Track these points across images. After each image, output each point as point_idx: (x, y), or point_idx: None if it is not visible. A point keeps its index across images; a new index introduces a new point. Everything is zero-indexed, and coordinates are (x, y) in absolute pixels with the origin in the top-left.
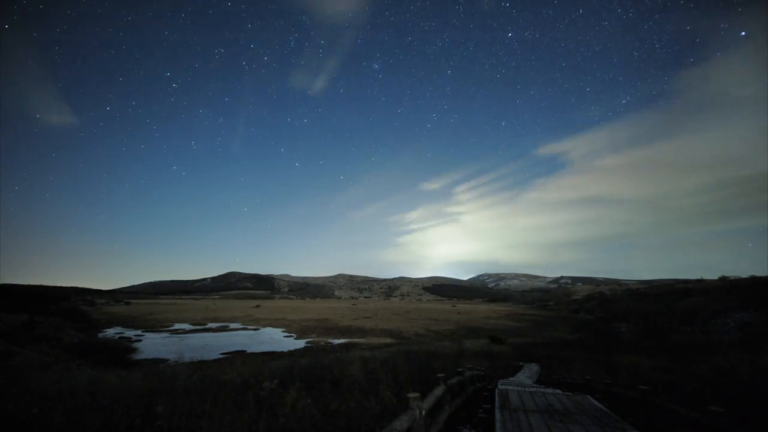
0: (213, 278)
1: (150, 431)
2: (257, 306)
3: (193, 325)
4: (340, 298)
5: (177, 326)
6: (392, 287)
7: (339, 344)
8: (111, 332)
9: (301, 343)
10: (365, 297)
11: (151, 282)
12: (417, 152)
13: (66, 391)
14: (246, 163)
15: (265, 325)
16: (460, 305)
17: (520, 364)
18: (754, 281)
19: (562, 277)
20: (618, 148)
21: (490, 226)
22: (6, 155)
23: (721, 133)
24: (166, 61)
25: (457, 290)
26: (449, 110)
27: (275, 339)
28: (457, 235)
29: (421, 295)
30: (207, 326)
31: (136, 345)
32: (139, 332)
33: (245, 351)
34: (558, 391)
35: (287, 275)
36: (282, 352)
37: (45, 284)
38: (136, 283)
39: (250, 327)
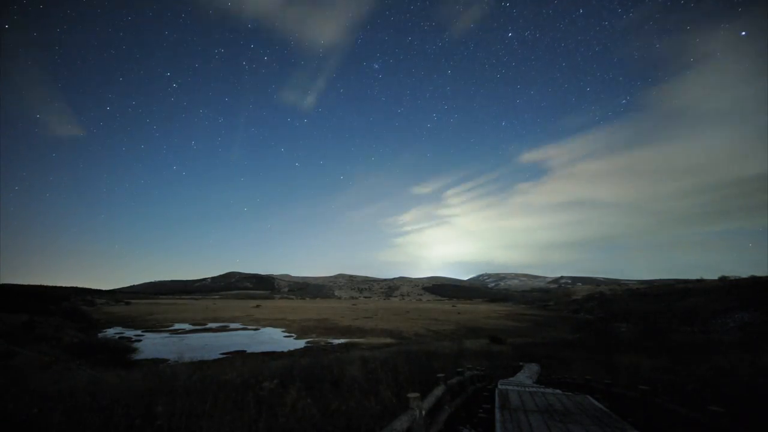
0: (213, 278)
1: (150, 431)
2: (257, 306)
3: (193, 325)
4: (340, 298)
5: (177, 326)
6: (392, 287)
7: (339, 344)
8: (111, 332)
9: (301, 343)
10: (365, 297)
11: (151, 282)
12: (411, 156)
13: (66, 391)
14: (246, 163)
15: (265, 325)
16: (460, 305)
17: (520, 364)
18: (754, 281)
19: (562, 277)
20: (598, 155)
21: (482, 228)
22: (6, 155)
23: (692, 142)
24: (166, 61)
25: (457, 290)
26: (449, 110)
27: (275, 339)
28: (451, 237)
29: (421, 295)
30: (207, 326)
31: (136, 345)
32: (139, 332)
33: (245, 351)
34: (558, 391)
35: (287, 275)
36: (282, 352)
37: (45, 284)
38: (136, 283)
39: (250, 327)
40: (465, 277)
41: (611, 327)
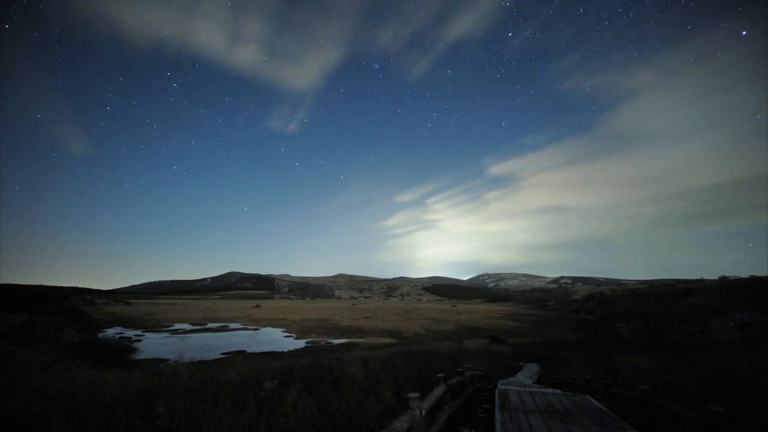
0: (213, 278)
1: (150, 431)
2: (257, 306)
3: (193, 325)
4: (340, 298)
5: (177, 326)
6: (392, 287)
7: (339, 344)
8: (111, 332)
9: (301, 343)
10: (365, 297)
11: (151, 282)
12: (397, 163)
13: (66, 391)
14: (246, 163)
15: (265, 325)
16: (460, 305)
17: (520, 364)
18: (754, 281)
19: (561, 277)
20: (559, 167)
21: (467, 231)
22: (6, 155)
23: (643, 157)
24: (166, 61)
25: (457, 290)
26: (449, 110)
27: (275, 339)
28: (439, 239)
29: (421, 295)
30: (207, 326)
31: (136, 345)
32: (139, 332)
33: (245, 351)
34: (558, 391)
35: (287, 275)
36: (282, 352)
37: (45, 284)
38: (136, 283)
39: (250, 327)
40: (465, 277)
41: (611, 327)
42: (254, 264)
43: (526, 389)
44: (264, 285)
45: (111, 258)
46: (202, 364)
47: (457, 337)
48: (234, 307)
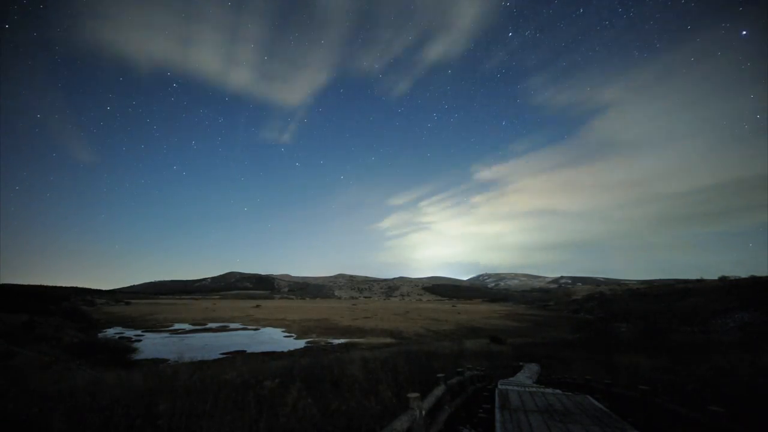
0: (213, 278)
1: (150, 431)
2: (257, 306)
3: (193, 325)
4: (340, 298)
5: (177, 326)
6: (392, 287)
7: (339, 344)
8: (111, 332)
9: (301, 343)
10: (365, 297)
11: (151, 282)
12: (389, 171)
13: (66, 391)
14: (246, 163)
15: (265, 325)
16: (460, 305)
17: (520, 364)
18: (754, 281)
19: (561, 277)
20: (542, 173)
21: (460, 233)
22: (6, 155)
23: (619, 164)
24: (166, 61)
25: (457, 290)
26: (449, 110)
27: (275, 339)
28: (432, 241)
29: (421, 295)
30: (207, 326)
31: (136, 345)
32: (139, 332)
33: (245, 351)
34: (558, 391)
35: (287, 275)
36: (282, 352)
37: (45, 284)
38: (136, 283)
39: (250, 327)
40: (465, 277)
41: (611, 327)
42: (254, 264)
43: (526, 389)
44: (264, 285)
45: (111, 258)
46: (202, 364)
47: (457, 337)
48: (234, 307)
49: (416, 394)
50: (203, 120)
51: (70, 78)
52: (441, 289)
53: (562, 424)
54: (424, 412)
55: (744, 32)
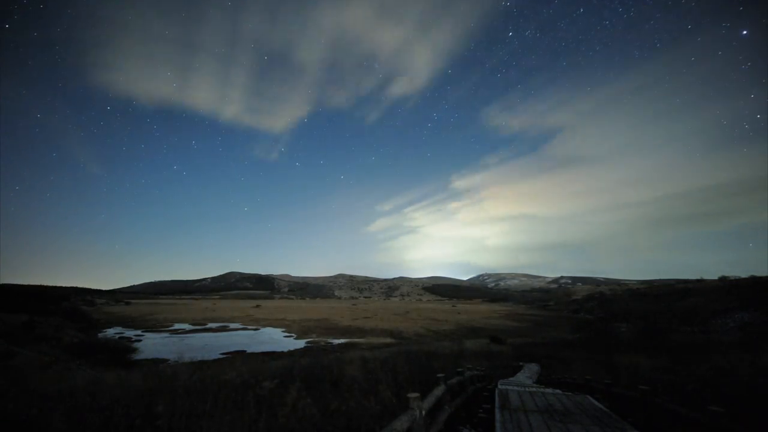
0: (213, 278)
1: (150, 431)
2: (257, 306)
3: (193, 325)
4: (340, 298)
5: (177, 326)
6: (392, 287)
7: (339, 344)
8: (111, 332)
9: (301, 343)
10: (365, 297)
11: (151, 282)
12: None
13: (66, 391)
14: (246, 163)
15: (265, 325)
16: (460, 305)
17: (520, 364)
18: (754, 281)
19: (561, 277)
20: (512, 182)
21: (447, 236)
22: (6, 155)
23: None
24: (167, 61)
25: (457, 290)
26: (449, 109)
27: (275, 339)
28: (421, 244)
29: (421, 295)
30: (207, 326)
31: (136, 345)
32: (139, 332)
33: (245, 351)
34: (558, 391)
35: (287, 275)
36: (282, 352)
37: (45, 284)
38: (136, 283)
39: (250, 327)
40: (464, 277)
41: (611, 327)
42: (254, 264)
43: (526, 389)
44: (264, 285)
45: (111, 258)
46: (202, 364)
47: (457, 337)
48: (234, 307)
49: (416, 394)
50: (203, 119)
51: (71, 78)
52: (441, 289)
53: (562, 424)
54: (424, 412)
55: (744, 32)
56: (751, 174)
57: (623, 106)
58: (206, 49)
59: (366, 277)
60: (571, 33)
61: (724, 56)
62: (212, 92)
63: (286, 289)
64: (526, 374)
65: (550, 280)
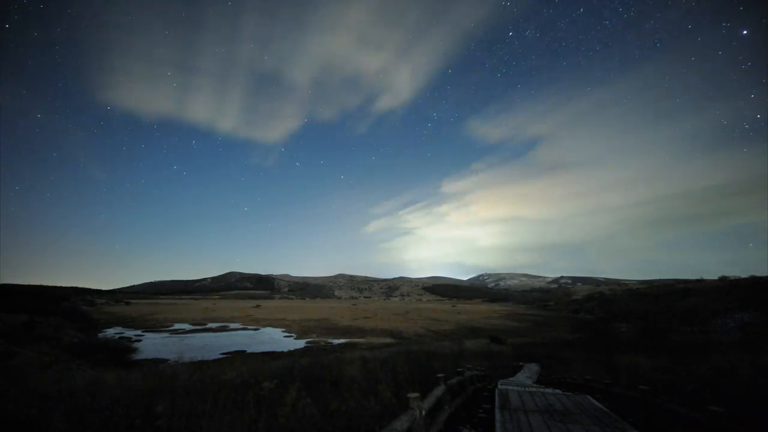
0: (213, 278)
1: (150, 431)
2: (257, 306)
3: (193, 325)
4: (340, 298)
5: (177, 326)
6: (392, 287)
7: (339, 344)
8: (111, 332)
9: (301, 343)
10: (365, 297)
11: (151, 282)
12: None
13: (66, 391)
14: (246, 162)
15: (265, 325)
16: (460, 305)
17: (520, 364)
18: (754, 281)
19: (561, 277)
20: (498, 186)
21: (441, 237)
22: (6, 155)
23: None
24: (167, 61)
25: (457, 290)
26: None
27: (275, 339)
28: (417, 245)
29: (421, 295)
30: (207, 326)
31: (136, 345)
32: (139, 332)
33: (245, 351)
34: (558, 391)
35: (287, 275)
36: (282, 352)
37: (45, 284)
38: (136, 283)
39: (250, 327)
40: (465, 277)
41: (611, 327)
42: (254, 264)
43: (526, 389)
44: (264, 285)
45: (111, 258)
46: (202, 364)
47: (457, 337)
48: (234, 307)
49: (416, 394)
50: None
51: (71, 77)
52: (441, 289)
53: (562, 424)
54: (424, 412)
55: (744, 32)
56: (751, 174)
57: (623, 107)
58: (203, 69)
59: (366, 277)
60: (571, 33)
61: (724, 56)
62: (209, 108)
63: (286, 289)
64: (526, 374)
65: (550, 280)
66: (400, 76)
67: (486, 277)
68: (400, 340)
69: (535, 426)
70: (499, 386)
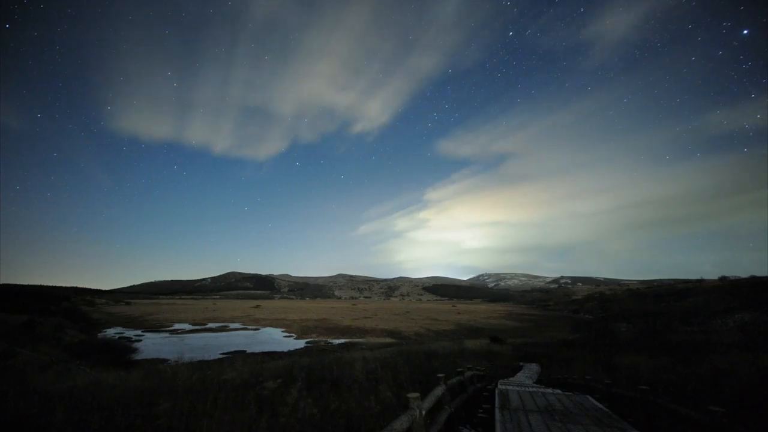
0: (213, 278)
1: (150, 431)
2: (257, 306)
3: (193, 325)
4: (340, 298)
5: (177, 326)
6: (392, 287)
7: (339, 344)
8: (111, 332)
9: (301, 343)
10: (365, 297)
11: (151, 282)
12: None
13: (66, 391)
14: (246, 162)
15: (265, 325)
16: (460, 305)
17: (520, 364)
18: (754, 281)
19: (561, 277)
20: (473, 193)
21: (428, 239)
22: (7, 155)
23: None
24: (167, 61)
25: (457, 290)
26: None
27: (275, 339)
28: (409, 247)
29: (421, 295)
30: (207, 326)
31: (136, 345)
32: (139, 332)
33: (245, 351)
34: (558, 391)
35: (287, 275)
36: (282, 352)
37: (45, 284)
38: (136, 283)
39: (250, 327)
40: (465, 277)
41: (611, 327)
42: (254, 264)
43: (526, 389)
44: (264, 285)
45: (111, 258)
46: (202, 364)
47: (457, 337)
48: (234, 307)
49: (416, 394)
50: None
51: (71, 77)
52: (441, 289)
53: (562, 424)
54: (424, 412)
55: (745, 31)
56: (751, 174)
57: (622, 107)
58: (200, 103)
59: (366, 277)
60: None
61: (724, 56)
62: (206, 132)
63: (286, 289)
64: (526, 374)
65: (549, 280)
66: (370, 107)
67: (486, 277)
68: (400, 340)
69: (535, 426)
70: (499, 386)
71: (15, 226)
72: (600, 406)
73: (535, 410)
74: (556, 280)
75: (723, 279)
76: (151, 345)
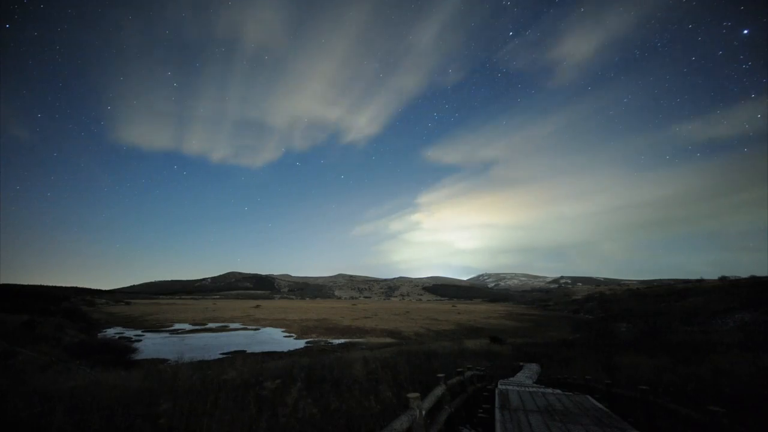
0: (213, 278)
1: (151, 431)
2: (257, 306)
3: (193, 325)
4: (340, 298)
5: (177, 326)
6: (392, 287)
7: (339, 344)
8: (111, 332)
9: (301, 343)
10: (365, 297)
11: (151, 282)
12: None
13: (66, 391)
14: (246, 162)
15: (265, 325)
16: (460, 305)
17: (520, 364)
18: (754, 281)
19: (561, 277)
20: (461, 197)
21: (422, 241)
22: (7, 155)
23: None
24: (167, 61)
25: (457, 290)
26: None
27: (275, 339)
28: (404, 248)
29: (421, 295)
30: (207, 326)
31: (136, 345)
32: (139, 332)
33: (245, 351)
34: (558, 391)
35: (287, 275)
36: (282, 352)
37: (45, 284)
38: (136, 283)
39: (250, 327)
40: (465, 278)
41: (611, 327)
42: (254, 264)
43: (526, 389)
44: (264, 285)
45: (111, 258)
46: (202, 363)
47: (457, 337)
48: (234, 307)
49: (416, 394)
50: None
51: (71, 77)
52: (441, 289)
53: (562, 424)
54: (424, 412)
55: (745, 31)
56: (751, 174)
57: (621, 107)
58: (199, 116)
59: (366, 277)
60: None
61: (724, 56)
62: (204, 142)
63: (286, 289)
64: (526, 374)
65: (550, 280)
66: (358, 119)
67: (486, 277)
68: (401, 340)
69: (535, 426)
70: (499, 386)
71: (15, 226)
72: (600, 406)
73: (535, 410)
74: (556, 280)
75: (723, 279)
76: (151, 345)
